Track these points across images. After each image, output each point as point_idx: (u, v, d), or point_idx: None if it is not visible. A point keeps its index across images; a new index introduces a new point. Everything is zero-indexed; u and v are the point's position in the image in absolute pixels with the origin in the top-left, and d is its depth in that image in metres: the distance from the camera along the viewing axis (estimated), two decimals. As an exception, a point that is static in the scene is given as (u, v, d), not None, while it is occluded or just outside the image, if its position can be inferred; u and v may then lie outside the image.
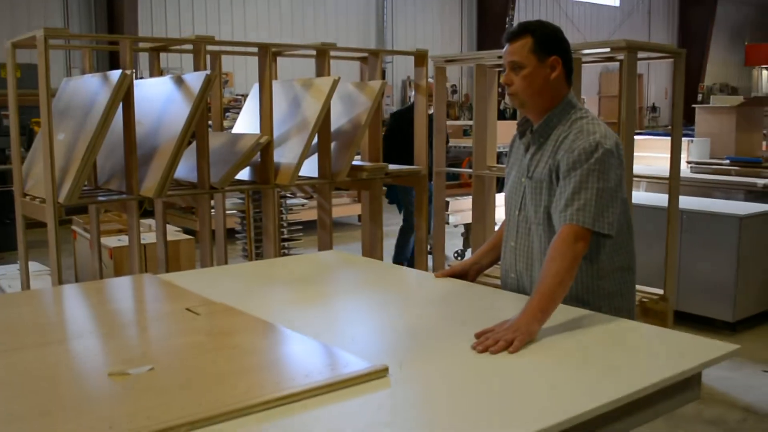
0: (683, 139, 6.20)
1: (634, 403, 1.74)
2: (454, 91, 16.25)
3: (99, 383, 1.75)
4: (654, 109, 21.71)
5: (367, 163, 4.61)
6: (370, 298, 2.69)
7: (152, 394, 1.66)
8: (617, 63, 4.43)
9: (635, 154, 4.65)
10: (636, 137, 5.58)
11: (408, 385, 1.76)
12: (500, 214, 6.24)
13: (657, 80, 21.66)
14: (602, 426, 1.70)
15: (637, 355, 2.02)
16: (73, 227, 6.65)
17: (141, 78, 4.55)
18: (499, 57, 5.11)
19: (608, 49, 4.20)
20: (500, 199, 6.54)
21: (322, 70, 4.43)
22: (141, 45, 4.46)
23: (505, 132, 7.23)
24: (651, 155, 7.49)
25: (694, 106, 9.21)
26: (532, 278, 2.47)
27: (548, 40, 2.38)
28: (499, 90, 5.73)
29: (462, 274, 2.77)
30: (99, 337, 2.17)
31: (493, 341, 1.96)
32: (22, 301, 2.72)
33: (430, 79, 5.26)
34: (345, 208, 10.13)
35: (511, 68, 2.39)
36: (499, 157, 8.81)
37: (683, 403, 1.98)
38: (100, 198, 3.79)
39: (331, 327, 2.28)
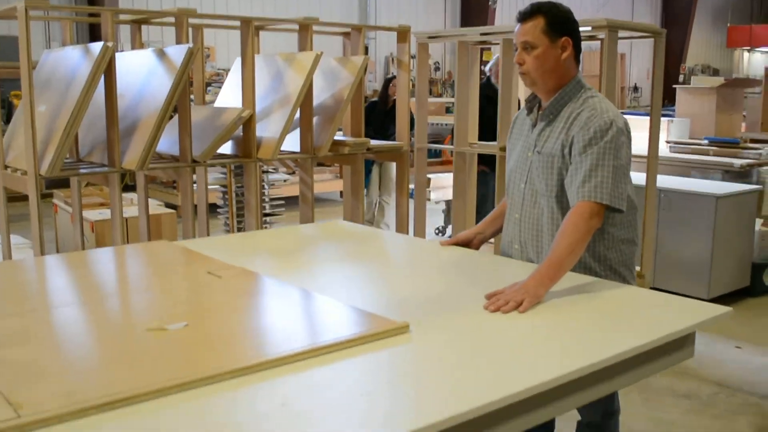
0: (663, 119, 6.27)
1: (637, 358, 1.88)
2: (437, 68, 16.24)
3: (140, 338, 1.86)
4: (636, 89, 21.80)
5: (348, 138, 4.63)
6: (380, 264, 2.80)
7: (190, 347, 1.78)
8: (599, 42, 4.46)
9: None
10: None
11: (427, 341, 1.86)
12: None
13: (639, 60, 21.72)
14: (608, 378, 1.85)
15: (640, 315, 2.13)
16: (54, 201, 6.64)
17: (122, 51, 4.53)
18: (482, 34, 5.13)
19: (589, 28, 4.23)
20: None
21: (304, 44, 4.43)
22: (122, 17, 4.44)
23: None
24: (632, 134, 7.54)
25: (675, 86, 9.28)
26: (538, 248, 2.57)
27: (560, 21, 2.45)
28: (481, 68, 5.75)
29: (466, 243, 2.88)
30: (131, 297, 2.32)
31: (504, 301, 2.08)
32: (41, 265, 2.79)
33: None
34: (327, 184, 10.15)
35: (523, 48, 2.46)
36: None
37: (680, 360, 2.12)
38: (82, 170, 3.79)
39: (347, 290, 2.37)
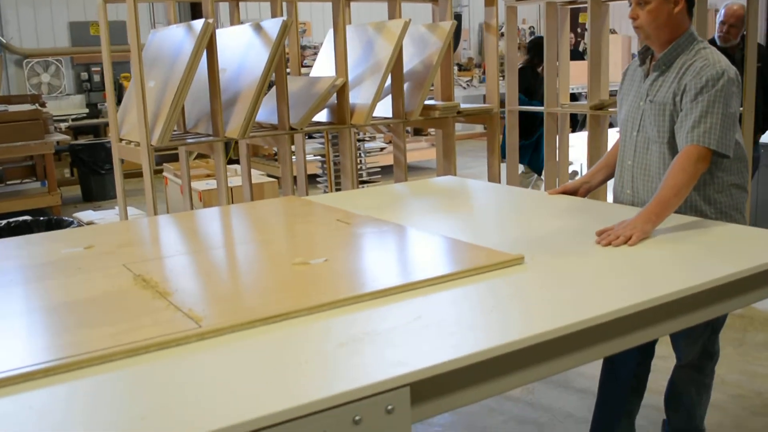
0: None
1: (734, 285, 2.03)
2: (533, 33, 16.05)
3: (288, 270, 2.14)
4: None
5: (439, 102, 4.75)
6: (495, 212, 3.05)
7: (332, 277, 2.08)
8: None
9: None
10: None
11: (542, 270, 2.08)
12: (574, 153, 6.33)
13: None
14: (718, 301, 2.03)
15: (741, 247, 2.28)
16: (165, 174, 7.02)
17: (221, 27, 4.77)
18: (570, -6, 5.14)
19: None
20: (573, 138, 6.60)
21: (393, 13, 4.57)
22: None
23: (579, 73, 7.19)
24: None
25: None
26: (650, 192, 2.66)
27: None
28: (579, 30, 5.77)
29: (573, 192, 3.05)
30: (273, 240, 2.67)
31: (615, 236, 2.27)
32: (184, 219, 3.19)
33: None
34: (422, 152, 10.28)
35: (637, 3, 2.57)
36: (574, 96, 8.83)
37: None
38: (189, 141, 4.05)
39: (466, 232, 2.57)
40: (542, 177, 6.73)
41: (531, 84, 7.07)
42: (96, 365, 1.51)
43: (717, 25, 5.28)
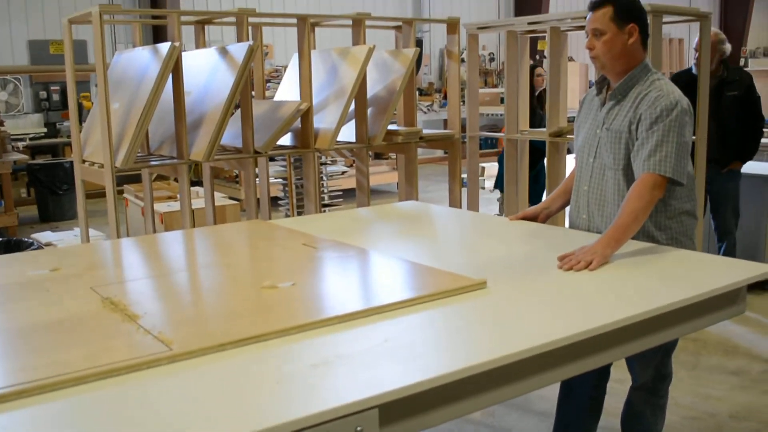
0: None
1: (689, 309, 2.12)
2: (492, 59, 16.30)
3: (257, 294, 2.18)
4: (695, 74, 21.45)
5: (402, 128, 4.82)
6: (457, 237, 3.10)
7: (300, 300, 2.13)
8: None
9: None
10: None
11: (504, 295, 2.14)
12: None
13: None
14: (672, 325, 2.12)
15: (695, 273, 2.38)
16: (125, 195, 6.98)
17: (184, 50, 4.80)
18: (530, 23, 5.26)
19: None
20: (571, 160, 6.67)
21: (357, 39, 4.64)
22: (186, 19, 4.70)
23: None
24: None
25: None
26: (603, 217, 2.80)
27: (627, 9, 2.67)
28: (537, 57, 5.89)
29: (533, 218, 3.14)
30: (240, 263, 2.71)
31: (576, 261, 2.38)
32: (150, 241, 3.22)
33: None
34: (384, 176, 10.35)
35: (593, 34, 2.69)
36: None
37: (731, 315, 2.35)
38: (153, 162, 4.07)
39: (430, 257, 2.62)
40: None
41: (532, 109, 6.54)
42: (69, 387, 1.53)
43: (693, 52, 5.39)
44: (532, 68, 6.99)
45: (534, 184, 6.25)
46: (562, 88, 5.12)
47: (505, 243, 2.85)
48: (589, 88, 12.26)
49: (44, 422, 1.41)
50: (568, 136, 5.12)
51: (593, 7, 2.70)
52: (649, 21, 4.30)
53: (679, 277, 2.32)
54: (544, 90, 5.78)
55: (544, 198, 5.03)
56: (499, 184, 6.82)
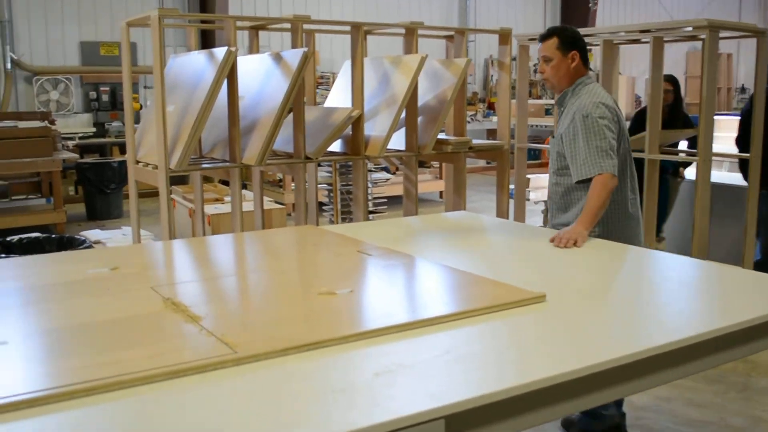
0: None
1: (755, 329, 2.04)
2: (536, 71, 16.22)
3: (315, 300, 2.20)
4: (743, 90, 21.12)
5: (452, 137, 4.81)
6: (510, 248, 3.09)
7: (358, 308, 2.16)
8: (701, 42, 4.51)
9: (716, 134, 4.73)
10: (719, 117, 5.62)
11: (563, 309, 2.13)
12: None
13: (747, 61, 21.07)
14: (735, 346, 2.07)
15: (757, 294, 2.32)
16: (173, 196, 7.06)
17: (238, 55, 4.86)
18: (583, 36, 5.23)
19: (690, 28, 4.29)
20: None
21: (410, 47, 4.65)
22: (241, 24, 4.75)
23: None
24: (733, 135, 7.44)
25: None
26: (559, 207, 3.32)
27: (569, 40, 3.25)
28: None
29: None
30: (296, 268, 2.76)
31: (566, 240, 2.91)
32: (204, 244, 3.29)
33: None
34: (427, 184, 10.34)
35: (544, 60, 3.28)
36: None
37: None
38: (206, 165, 4.11)
39: (484, 268, 2.61)
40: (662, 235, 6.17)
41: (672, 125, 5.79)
42: (135, 386, 1.55)
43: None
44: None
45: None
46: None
47: (560, 256, 2.83)
48: (635, 101, 12.05)
49: (112, 420, 1.43)
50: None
51: (542, 39, 3.28)
52: (705, 36, 4.29)
53: (742, 296, 2.29)
54: (667, 106, 5.57)
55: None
56: None
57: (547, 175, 7.01)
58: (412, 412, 1.43)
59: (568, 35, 3.26)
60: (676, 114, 5.75)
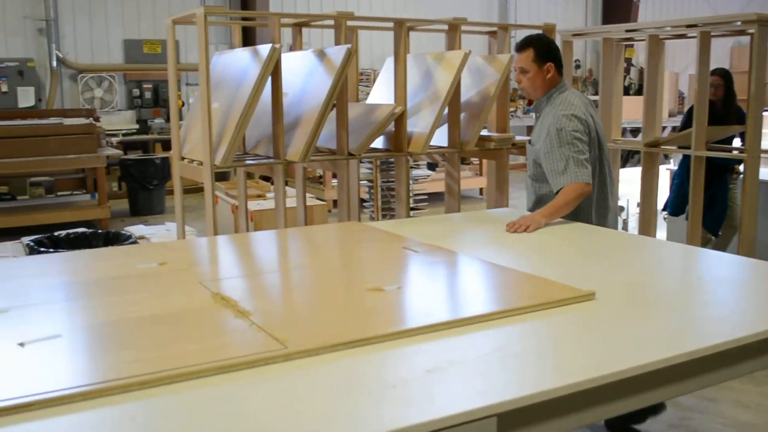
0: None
1: None
2: (578, 66, 16.07)
3: (363, 296, 2.22)
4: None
5: (494, 134, 4.79)
6: (555, 245, 3.01)
7: (407, 304, 2.15)
8: (749, 37, 4.43)
9: (766, 130, 4.65)
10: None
11: (613, 307, 2.10)
12: (625, 188, 6.29)
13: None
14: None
15: None
16: (216, 192, 7.12)
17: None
18: (627, 31, 5.17)
19: (738, 23, 4.21)
20: (624, 173, 6.57)
21: (452, 43, 4.63)
22: (285, 21, 4.77)
23: (630, 107, 7.21)
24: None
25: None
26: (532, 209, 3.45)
27: (544, 51, 3.37)
28: (625, 65, 5.77)
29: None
30: (343, 264, 2.78)
31: (519, 225, 3.08)
32: (250, 239, 3.35)
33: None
34: (467, 181, 10.31)
35: (521, 72, 3.40)
36: (623, 132, 8.76)
37: None
38: (250, 162, 4.14)
39: (530, 265, 2.57)
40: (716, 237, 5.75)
41: (724, 120, 5.52)
42: (187, 380, 1.56)
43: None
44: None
45: (709, 207, 5.22)
46: (659, 97, 5.02)
47: (608, 254, 2.81)
48: (678, 97, 11.87)
49: (164, 413, 1.45)
50: (664, 147, 5.01)
51: (518, 50, 3.40)
52: (753, 30, 4.20)
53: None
54: (719, 100, 5.46)
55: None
56: (672, 205, 6.01)
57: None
58: (464, 410, 1.42)
59: (543, 46, 3.40)
60: (728, 109, 5.57)
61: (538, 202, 3.42)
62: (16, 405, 1.44)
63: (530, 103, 3.57)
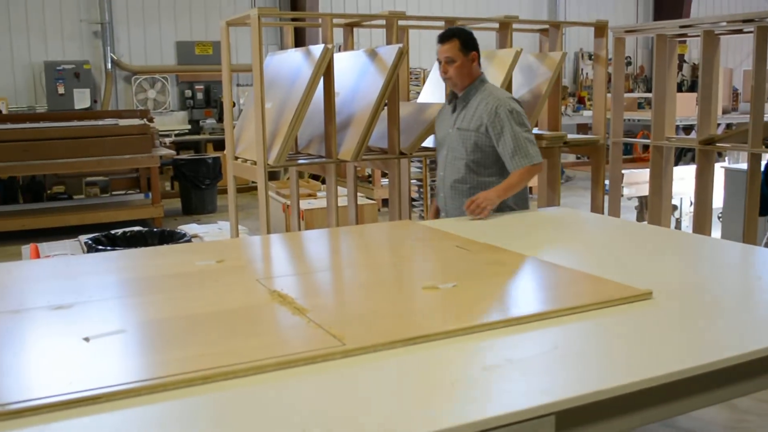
0: None
1: None
2: (629, 63, 15.86)
3: (419, 294, 2.25)
4: None
5: (546, 132, 4.76)
6: (610, 244, 3.01)
7: (463, 302, 2.13)
8: None
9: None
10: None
11: (670, 307, 2.08)
12: (677, 186, 6.18)
13: None
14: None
15: None
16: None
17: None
18: (681, 26, 5.10)
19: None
20: (678, 171, 6.46)
21: (504, 41, 4.61)
22: (336, 21, 4.81)
23: (683, 104, 7.10)
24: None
25: None
26: (454, 198, 3.61)
27: (468, 41, 3.53)
28: (677, 61, 5.69)
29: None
30: (398, 262, 2.80)
31: (476, 207, 3.30)
32: (304, 238, 3.44)
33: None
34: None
35: (446, 62, 3.54)
36: (676, 129, 8.61)
37: None
38: (302, 161, 4.18)
39: (586, 264, 2.56)
40: None
41: None
42: (248, 376, 1.60)
43: None
44: None
45: None
46: (714, 93, 4.94)
47: (664, 251, 2.78)
48: (732, 94, 11.68)
49: (225, 407, 1.48)
50: (719, 144, 4.93)
51: (442, 40, 3.54)
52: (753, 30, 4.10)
53: None
54: None
55: None
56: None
57: (640, 170, 6.87)
58: (523, 407, 1.43)
59: (467, 36, 3.55)
60: None
61: (472, 189, 3.53)
62: (84, 398, 1.48)
63: (454, 95, 3.68)
